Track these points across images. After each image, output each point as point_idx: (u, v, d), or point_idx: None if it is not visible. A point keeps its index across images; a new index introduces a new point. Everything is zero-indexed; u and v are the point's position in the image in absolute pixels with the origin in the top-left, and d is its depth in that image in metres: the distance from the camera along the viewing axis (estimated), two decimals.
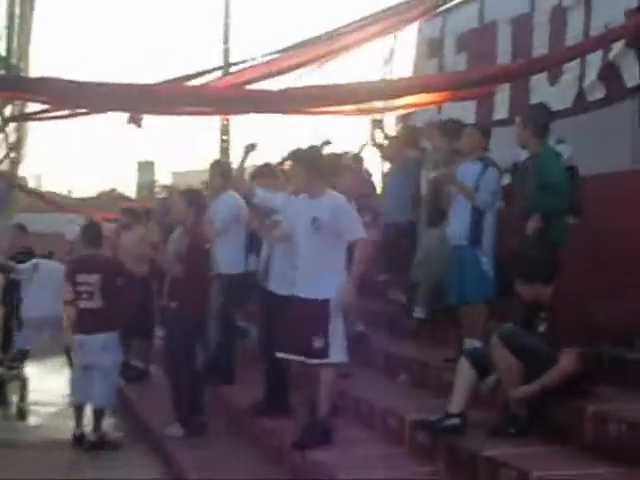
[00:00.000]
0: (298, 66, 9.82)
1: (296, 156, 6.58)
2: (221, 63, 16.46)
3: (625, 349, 6.36)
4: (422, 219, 8.44)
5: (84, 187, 30.92)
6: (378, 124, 9.90)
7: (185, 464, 6.79)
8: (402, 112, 11.03)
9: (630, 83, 8.27)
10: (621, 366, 6.09)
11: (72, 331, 8.07)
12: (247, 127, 19.57)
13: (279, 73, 9.55)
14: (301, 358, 6.32)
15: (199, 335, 7.70)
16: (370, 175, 10.39)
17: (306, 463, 6.07)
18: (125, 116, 8.42)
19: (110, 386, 7.95)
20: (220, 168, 9.01)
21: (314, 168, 6.34)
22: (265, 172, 8.04)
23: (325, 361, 6.21)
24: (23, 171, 16.28)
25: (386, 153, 10.06)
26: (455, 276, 7.24)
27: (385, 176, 10.18)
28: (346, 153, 9.66)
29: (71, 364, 11.44)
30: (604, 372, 5.81)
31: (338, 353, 6.23)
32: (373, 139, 10.11)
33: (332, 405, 6.38)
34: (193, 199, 7.76)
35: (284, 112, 8.84)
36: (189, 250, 7.45)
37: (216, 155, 18.17)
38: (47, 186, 31.18)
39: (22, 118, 11.79)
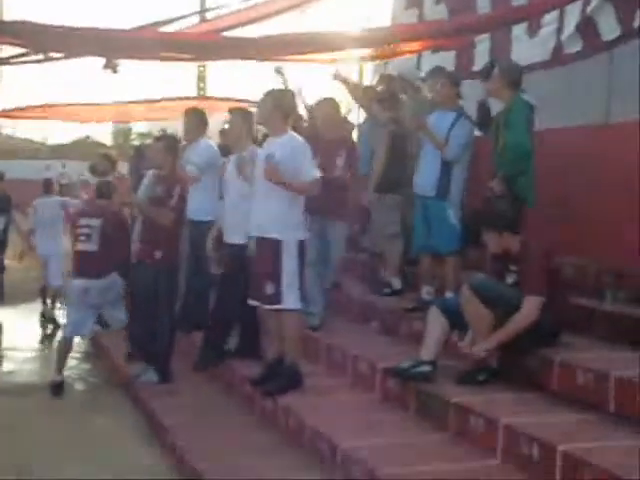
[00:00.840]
0: (276, 13, 9.77)
1: (267, 91, 6.51)
2: (197, 9, 16.26)
3: (595, 300, 6.45)
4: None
5: (58, 134, 30.50)
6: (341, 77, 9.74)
7: (159, 410, 6.84)
8: (379, 62, 10.98)
9: (607, 37, 8.23)
10: (590, 317, 6.18)
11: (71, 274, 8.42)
12: (223, 75, 19.42)
13: (256, 20, 9.50)
14: (258, 303, 6.37)
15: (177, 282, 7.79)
16: (348, 121, 10.25)
17: (277, 409, 6.14)
18: (101, 61, 8.35)
19: (119, 309, 8.18)
20: (196, 114, 8.94)
21: (279, 105, 6.28)
22: None
23: (277, 307, 6.18)
24: None
25: (361, 102, 9.97)
26: (421, 226, 7.30)
27: (360, 126, 10.10)
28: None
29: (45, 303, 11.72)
30: (573, 322, 5.87)
31: (292, 299, 6.16)
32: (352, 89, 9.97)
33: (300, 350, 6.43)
34: (170, 144, 7.73)
35: (261, 59, 8.78)
36: (179, 198, 7.45)
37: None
38: (21, 133, 30.85)
39: None
